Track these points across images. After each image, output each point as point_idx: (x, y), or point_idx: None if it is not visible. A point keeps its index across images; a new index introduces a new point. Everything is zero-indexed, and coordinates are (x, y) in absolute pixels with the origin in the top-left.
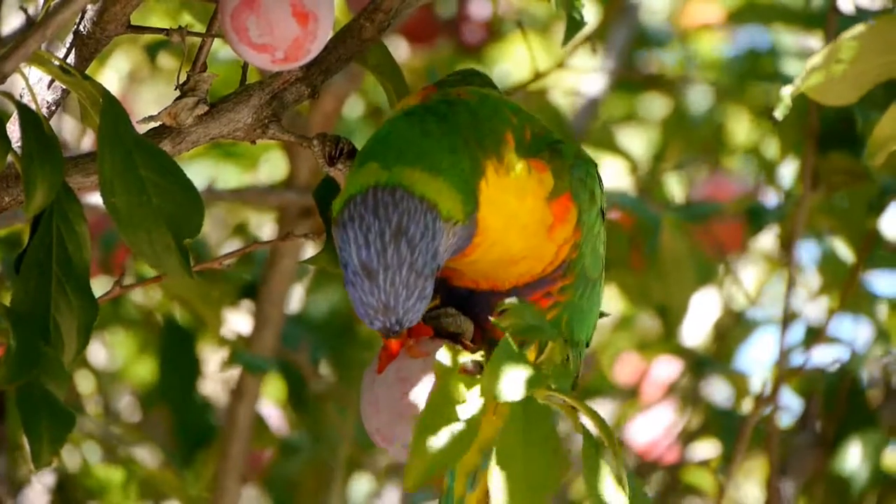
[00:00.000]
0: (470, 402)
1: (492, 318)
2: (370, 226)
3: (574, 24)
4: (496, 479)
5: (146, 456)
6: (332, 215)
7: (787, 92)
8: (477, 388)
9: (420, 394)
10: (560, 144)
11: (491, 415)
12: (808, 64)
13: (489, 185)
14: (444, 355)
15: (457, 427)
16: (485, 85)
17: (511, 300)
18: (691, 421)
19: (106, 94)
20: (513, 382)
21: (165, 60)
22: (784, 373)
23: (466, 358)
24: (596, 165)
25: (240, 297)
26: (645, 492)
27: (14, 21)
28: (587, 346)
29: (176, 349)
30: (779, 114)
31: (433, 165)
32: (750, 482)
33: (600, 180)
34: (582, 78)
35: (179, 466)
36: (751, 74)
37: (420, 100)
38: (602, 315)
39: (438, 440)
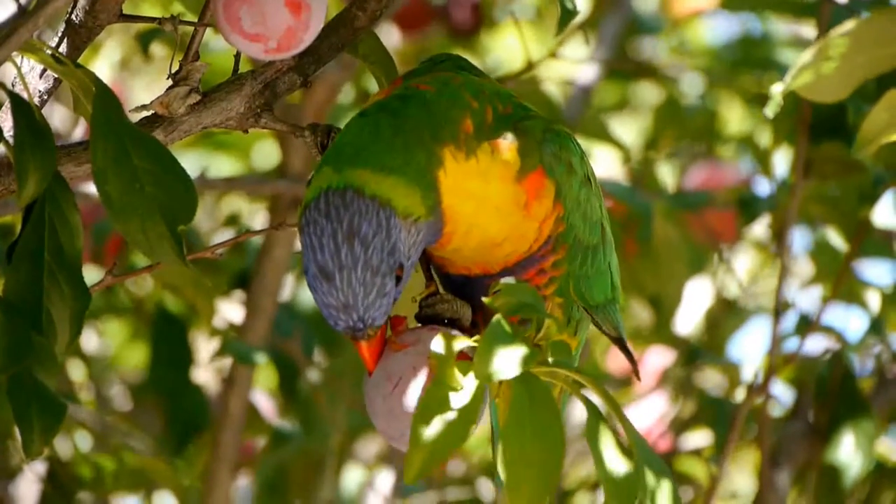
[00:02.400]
0: (466, 387)
1: (484, 300)
2: (323, 228)
3: (567, 14)
4: (504, 460)
5: (138, 445)
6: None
7: (777, 89)
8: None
9: (408, 387)
10: (526, 121)
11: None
12: (799, 61)
13: (448, 174)
14: (439, 343)
15: (454, 414)
16: (458, 68)
17: (505, 280)
18: (684, 410)
19: (98, 82)
20: (506, 361)
21: (157, 49)
22: (776, 362)
23: (462, 343)
24: (570, 135)
25: (232, 287)
26: (657, 457)
27: (5, 9)
28: (617, 302)
29: (168, 338)
30: (769, 111)
31: (383, 165)
32: (742, 471)
33: (578, 148)
34: (574, 67)
35: (171, 455)
36: (743, 62)
37: (382, 97)
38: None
39: (436, 430)
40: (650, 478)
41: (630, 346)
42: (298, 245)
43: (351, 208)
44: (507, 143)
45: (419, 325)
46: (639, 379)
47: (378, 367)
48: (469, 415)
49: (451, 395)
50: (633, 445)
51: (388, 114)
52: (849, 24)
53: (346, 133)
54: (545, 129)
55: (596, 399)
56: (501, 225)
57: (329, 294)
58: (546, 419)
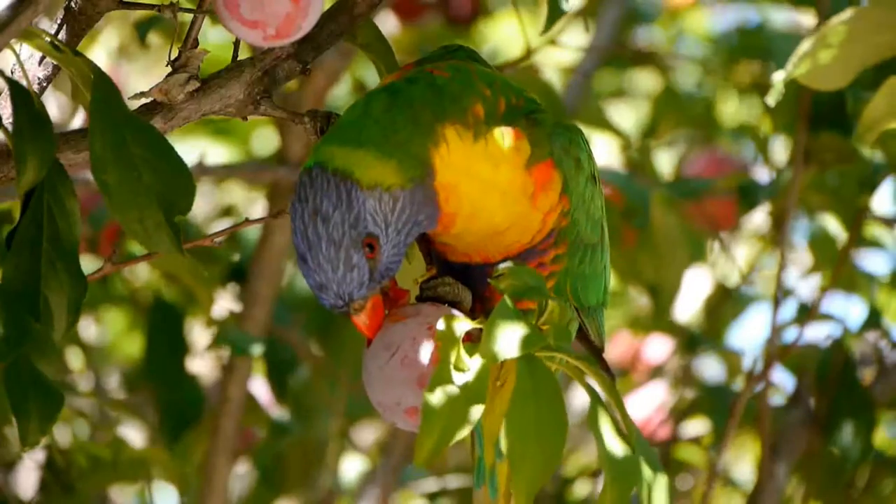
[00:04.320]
0: (473, 369)
1: (490, 280)
2: (296, 210)
3: (556, 12)
4: (509, 443)
5: (136, 434)
6: None
7: (778, 78)
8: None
9: (405, 356)
10: (538, 114)
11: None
12: (799, 50)
13: (452, 152)
14: (442, 325)
15: (462, 396)
16: (469, 59)
17: (507, 264)
18: (683, 398)
19: (97, 70)
20: (511, 340)
21: (155, 37)
22: (776, 350)
23: (464, 325)
24: (580, 132)
25: (229, 280)
26: (651, 448)
27: None
28: (605, 306)
29: (164, 328)
30: (771, 100)
31: (353, 139)
32: (742, 459)
33: (586, 145)
34: (573, 54)
35: (167, 444)
36: (741, 51)
37: (396, 78)
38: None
39: (445, 412)
40: (645, 469)
41: (631, 339)
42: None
43: (315, 185)
44: (518, 132)
45: None
46: None
47: (377, 339)
48: (476, 394)
49: (458, 375)
50: (629, 434)
51: (388, 93)
52: (848, 13)
53: (345, 112)
54: (556, 124)
55: (595, 386)
56: (507, 212)
57: (308, 275)
58: (549, 400)
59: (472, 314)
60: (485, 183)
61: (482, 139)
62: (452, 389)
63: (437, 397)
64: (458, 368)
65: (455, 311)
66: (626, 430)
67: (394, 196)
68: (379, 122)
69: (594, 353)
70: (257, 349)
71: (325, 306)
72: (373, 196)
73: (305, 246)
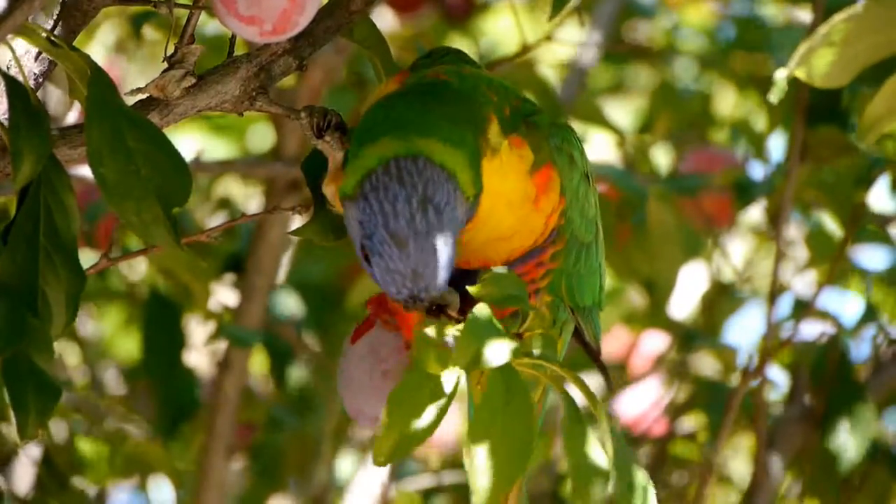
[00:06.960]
0: (444, 376)
1: (470, 289)
2: (397, 195)
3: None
4: (473, 451)
5: (133, 429)
6: (344, 192)
7: (781, 75)
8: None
9: (392, 367)
10: (534, 116)
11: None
12: (802, 47)
13: (483, 166)
14: (427, 328)
15: (429, 401)
16: (459, 61)
17: (495, 269)
18: (679, 394)
19: (93, 65)
20: (486, 350)
21: (152, 33)
22: (772, 346)
23: (451, 331)
24: (572, 130)
25: (224, 272)
26: (633, 453)
27: None
28: (601, 308)
29: (160, 322)
30: (774, 97)
31: (447, 137)
32: (738, 456)
33: (579, 143)
34: (570, 49)
35: (163, 439)
36: (737, 46)
37: (397, 86)
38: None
39: (410, 415)
40: (630, 479)
41: (628, 336)
42: (293, 226)
43: (424, 175)
44: (520, 140)
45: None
46: (612, 390)
47: (364, 340)
48: (445, 402)
49: (429, 381)
50: (610, 443)
51: (432, 97)
52: (851, 9)
53: (390, 108)
54: (551, 124)
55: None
56: (513, 220)
57: (400, 261)
58: (518, 410)
59: (462, 316)
60: (495, 195)
61: (497, 152)
62: (420, 394)
63: (403, 399)
64: (428, 374)
65: (441, 316)
66: (607, 440)
67: (466, 206)
68: (455, 123)
69: (591, 356)
70: (256, 342)
71: (399, 295)
72: (462, 203)
73: (410, 232)
